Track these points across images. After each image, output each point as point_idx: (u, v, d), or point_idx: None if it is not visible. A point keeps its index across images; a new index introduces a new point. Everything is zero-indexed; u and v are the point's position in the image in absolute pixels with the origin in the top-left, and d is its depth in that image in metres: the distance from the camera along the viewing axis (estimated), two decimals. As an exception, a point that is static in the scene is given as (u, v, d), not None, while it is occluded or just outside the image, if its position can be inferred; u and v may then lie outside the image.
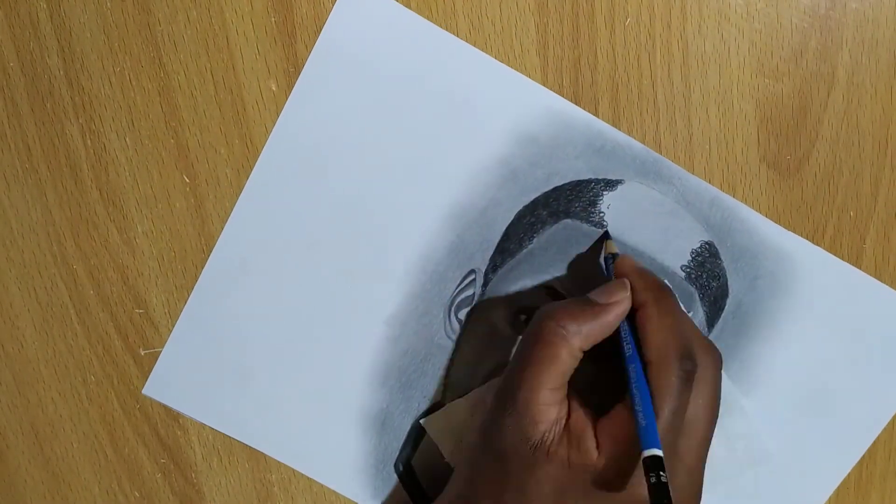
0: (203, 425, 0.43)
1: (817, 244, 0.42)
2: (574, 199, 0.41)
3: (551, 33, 0.39)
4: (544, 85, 0.40)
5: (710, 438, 0.36)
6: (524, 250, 0.41)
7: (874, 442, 0.45)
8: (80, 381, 0.43)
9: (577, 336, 0.35)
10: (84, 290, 0.42)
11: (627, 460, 0.34)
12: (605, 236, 0.41)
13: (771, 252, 0.42)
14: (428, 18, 0.39)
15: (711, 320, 0.42)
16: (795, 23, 0.39)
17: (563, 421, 0.35)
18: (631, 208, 0.41)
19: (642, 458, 0.32)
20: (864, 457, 0.45)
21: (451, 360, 0.42)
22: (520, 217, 0.41)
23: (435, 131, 0.40)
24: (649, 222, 0.41)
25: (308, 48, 0.39)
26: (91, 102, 0.40)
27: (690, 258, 0.41)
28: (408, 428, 0.43)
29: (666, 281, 0.40)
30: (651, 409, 0.34)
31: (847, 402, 0.43)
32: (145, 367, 0.43)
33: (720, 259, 0.41)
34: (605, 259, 0.40)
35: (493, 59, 0.39)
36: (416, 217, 0.41)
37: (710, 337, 0.42)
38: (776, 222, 0.42)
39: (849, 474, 0.45)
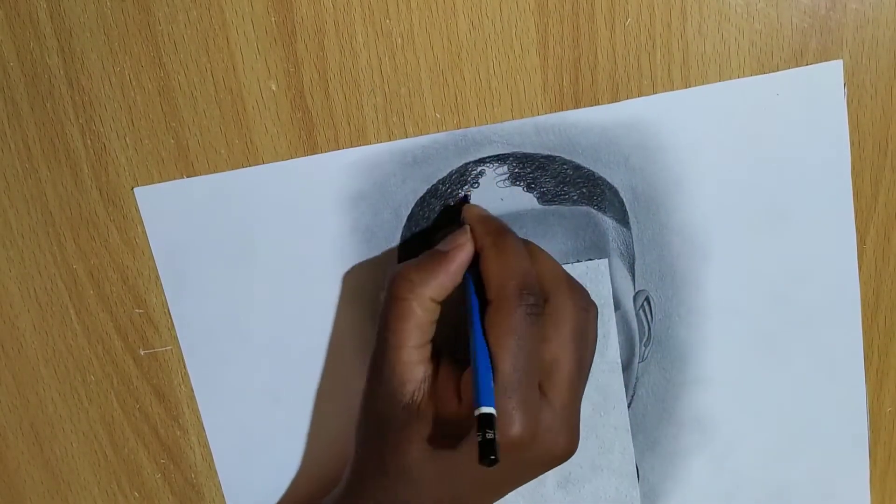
0: (203, 426, 0.43)
1: (817, 244, 0.42)
2: (429, 214, 0.41)
3: (551, 33, 0.39)
4: (544, 85, 0.40)
5: (579, 380, 0.36)
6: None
7: (874, 442, 0.45)
8: (79, 382, 0.43)
9: (425, 287, 0.36)
10: (84, 290, 0.42)
11: None
12: (464, 200, 0.41)
13: (620, 129, 0.40)
14: (428, 19, 0.39)
15: (623, 219, 0.41)
16: (796, 23, 0.39)
17: (430, 379, 0.36)
18: (481, 190, 0.41)
19: (475, 415, 0.32)
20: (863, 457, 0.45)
21: None
22: (401, 260, 0.41)
23: (284, 252, 0.41)
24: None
25: (308, 48, 0.39)
26: (91, 102, 0.40)
27: (560, 185, 0.41)
28: None
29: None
30: (486, 363, 0.34)
31: (802, 195, 0.41)
32: (145, 368, 0.43)
33: (583, 167, 0.41)
34: (462, 220, 0.40)
35: (280, 163, 0.40)
36: (324, 318, 0.42)
37: (633, 232, 0.41)
38: (776, 222, 0.42)
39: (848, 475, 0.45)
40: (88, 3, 0.38)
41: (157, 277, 0.42)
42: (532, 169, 0.40)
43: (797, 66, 0.40)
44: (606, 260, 0.41)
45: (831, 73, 0.40)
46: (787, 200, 0.41)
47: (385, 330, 0.36)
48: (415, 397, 0.35)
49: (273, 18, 0.39)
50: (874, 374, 0.44)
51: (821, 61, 0.40)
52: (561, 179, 0.41)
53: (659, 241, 0.42)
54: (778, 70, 0.40)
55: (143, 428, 0.44)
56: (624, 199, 0.41)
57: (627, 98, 0.40)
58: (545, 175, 0.41)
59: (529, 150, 0.40)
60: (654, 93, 0.40)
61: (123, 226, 0.41)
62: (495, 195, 0.41)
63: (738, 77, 0.40)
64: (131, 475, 0.44)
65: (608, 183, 0.41)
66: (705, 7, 0.39)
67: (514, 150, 0.40)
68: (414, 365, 0.36)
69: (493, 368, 0.34)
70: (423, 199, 0.41)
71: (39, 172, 0.40)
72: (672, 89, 0.40)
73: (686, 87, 0.40)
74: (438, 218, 0.41)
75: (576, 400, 0.36)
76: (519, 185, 0.41)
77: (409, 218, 0.41)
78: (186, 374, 0.43)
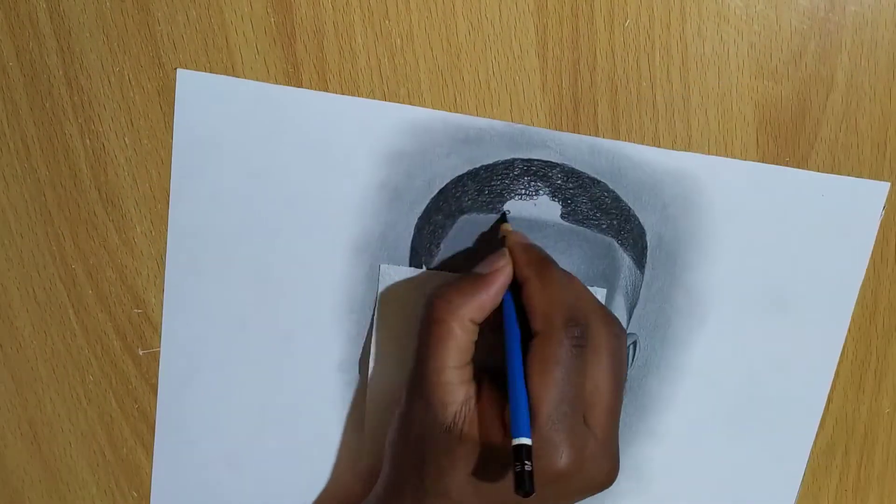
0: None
1: (816, 246, 0.42)
2: (461, 194, 0.41)
3: (550, 35, 0.39)
4: (543, 87, 0.40)
5: (618, 407, 0.36)
6: (435, 258, 0.41)
7: (873, 443, 0.45)
8: (78, 381, 0.43)
9: (465, 307, 0.36)
10: (83, 290, 0.42)
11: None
12: (502, 219, 0.41)
13: (668, 177, 0.41)
14: (427, 20, 0.39)
15: (640, 261, 0.42)
16: (794, 25, 0.39)
17: (473, 401, 0.35)
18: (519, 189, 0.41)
19: (511, 445, 0.32)
20: (862, 458, 0.45)
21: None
22: (419, 230, 0.41)
23: (310, 183, 0.40)
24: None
25: (307, 49, 0.39)
26: (90, 102, 0.40)
27: (595, 210, 0.41)
28: None
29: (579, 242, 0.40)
30: (524, 393, 0.34)
31: (806, 294, 0.42)
32: (143, 367, 0.43)
33: (622, 201, 0.41)
34: (501, 240, 0.40)
35: (334, 95, 0.39)
36: (325, 266, 0.41)
37: (645, 277, 0.42)
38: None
39: (847, 475, 0.45)
40: (88, 3, 0.38)
41: (157, 277, 0.42)
42: (574, 186, 0.41)
43: (796, 67, 0.40)
44: (605, 291, 0.42)
45: (877, 191, 0.41)
46: (793, 295, 0.42)
47: (424, 351, 0.36)
48: (457, 420, 0.35)
49: (273, 19, 0.39)
50: (872, 376, 0.44)
51: (820, 63, 0.40)
52: (597, 205, 0.41)
53: (666, 293, 0.42)
54: (777, 72, 0.40)
55: (141, 428, 0.44)
56: (648, 243, 0.41)
57: (626, 100, 0.40)
58: (584, 195, 0.41)
59: (578, 166, 0.41)
60: (653, 94, 0.40)
61: (122, 226, 0.41)
62: (529, 199, 0.41)
63: (738, 78, 0.40)
64: (130, 475, 0.44)
65: (639, 223, 0.41)
66: (704, 9, 0.39)
67: (565, 161, 0.40)
68: (455, 386, 0.35)
69: (540, 400, 0.34)
70: (461, 177, 0.40)
71: (38, 172, 0.40)
72: (671, 91, 0.40)
73: (685, 89, 0.40)
74: (476, 242, 0.41)
75: (615, 427, 0.36)
76: (556, 200, 0.41)
77: (441, 192, 0.41)
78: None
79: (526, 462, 0.31)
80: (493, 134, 0.40)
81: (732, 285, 0.42)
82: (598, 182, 0.41)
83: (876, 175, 0.41)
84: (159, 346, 0.42)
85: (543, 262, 0.37)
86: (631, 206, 0.41)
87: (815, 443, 0.45)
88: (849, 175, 0.41)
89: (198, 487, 0.43)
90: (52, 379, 0.43)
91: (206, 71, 0.39)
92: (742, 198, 0.41)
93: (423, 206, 0.41)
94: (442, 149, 0.40)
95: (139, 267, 0.42)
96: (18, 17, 0.39)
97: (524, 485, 0.31)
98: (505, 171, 0.41)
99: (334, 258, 0.41)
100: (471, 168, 0.41)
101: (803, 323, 0.43)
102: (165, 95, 0.40)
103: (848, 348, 0.44)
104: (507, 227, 0.40)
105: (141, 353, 0.43)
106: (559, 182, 0.41)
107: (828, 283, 0.42)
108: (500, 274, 0.37)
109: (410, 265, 0.41)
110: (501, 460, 0.34)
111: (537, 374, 0.34)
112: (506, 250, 0.38)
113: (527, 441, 0.32)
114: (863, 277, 0.42)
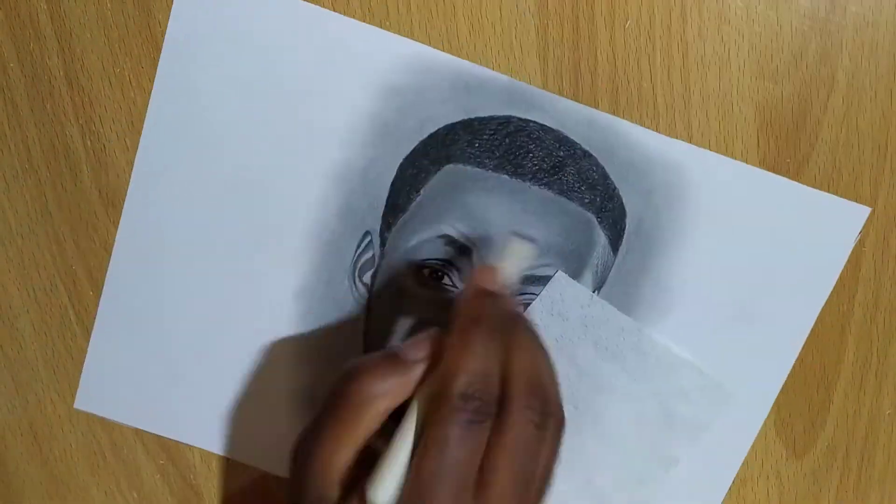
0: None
1: (816, 247, 0.42)
2: (451, 143, 0.40)
3: (551, 35, 0.39)
4: (545, 87, 0.40)
5: (525, 493, 0.32)
6: (413, 203, 0.41)
7: (873, 444, 0.45)
8: (78, 382, 0.43)
9: (384, 398, 0.33)
10: (83, 291, 0.42)
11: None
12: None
13: (659, 163, 0.41)
14: (428, 21, 0.39)
15: (615, 244, 0.41)
16: (795, 26, 0.39)
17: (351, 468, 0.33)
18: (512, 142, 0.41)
19: None
20: (862, 459, 0.45)
21: (366, 326, 0.42)
22: (402, 170, 0.40)
23: (300, 99, 0.39)
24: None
25: (308, 49, 0.39)
26: (91, 103, 0.40)
27: (580, 183, 0.41)
28: None
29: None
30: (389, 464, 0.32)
31: (771, 305, 0.42)
32: (144, 368, 0.43)
33: (609, 179, 0.41)
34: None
35: (342, 15, 0.38)
36: (300, 188, 0.40)
37: (616, 259, 0.41)
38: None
39: (848, 476, 0.45)
40: (88, 5, 0.38)
41: (157, 278, 0.42)
42: (565, 155, 0.40)
43: (796, 68, 0.40)
44: (560, 272, 0.41)
45: (857, 215, 0.41)
46: (756, 308, 0.42)
47: (325, 429, 0.33)
48: (341, 496, 0.33)
49: (273, 20, 0.39)
50: (873, 377, 0.44)
51: (820, 64, 0.40)
52: (584, 178, 0.40)
53: (635, 278, 0.42)
54: (777, 73, 0.40)
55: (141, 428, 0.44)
56: (627, 225, 0.41)
57: (627, 101, 0.40)
58: (573, 166, 0.40)
59: (573, 136, 0.40)
60: (654, 95, 0.40)
61: (123, 226, 0.41)
62: (516, 156, 0.40)
63: (738, 78, 0.40)
64: (130, 476, 0.44)
65: (622, 204, 0.41)
66: (705, 9, 0.39)
67: (561, 129, 0.40)
68: (347, 464, 0.33)
69: (413, 469, 0.31)
70: (453, 125, 0.40)
71: (39, 173, 0.40)
72: (672, 92, 0.40)
73: (685, 90, 0.40)
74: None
75: None
76: (544, 164, 0.40)
77: (431, 136, 0.40)
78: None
79: None
80: (493, 87, 0.40)
81: (700, 285, 0.42)
82: (590, 155, 0.40)
83: (877, 176, 0.41)
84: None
85: (474, 320, 0.33)
86: (617, 186, 0.41)
87: (815, 443, 0.45)
88: (849, 176, 0.41)
89: (129, 376, 0.42)
90: (52, 380, 0.43)
91: (206, 71, 0.39)
92: (728, 199, 0.41)
93: (411, 148, 0.40)
94: (439, 93, 0.40)
95: (140, 268, 0.42)
96: (19, 17, 0.39)
97: None
98: (499, 127, 0.40)
99: (312, 183, 0.40)
100: (465, 118, 0.40)
101: (760, 336, 0.43)
102: (166, 96, 0.40)
103: (849, 349, 0.44)
104: (480, 269, 0.37)
105: (141, 353, 0.43)
106: (550, 148, 0.40)
107: (792, 301, 0.42)
108: (422, 365, 0.34)
109: (388, 205, 0.41)
110: None
111: (420, 442, 0.32)
112: (434, 335, 0.34)
113: None
114: (826, 299, 0.42)
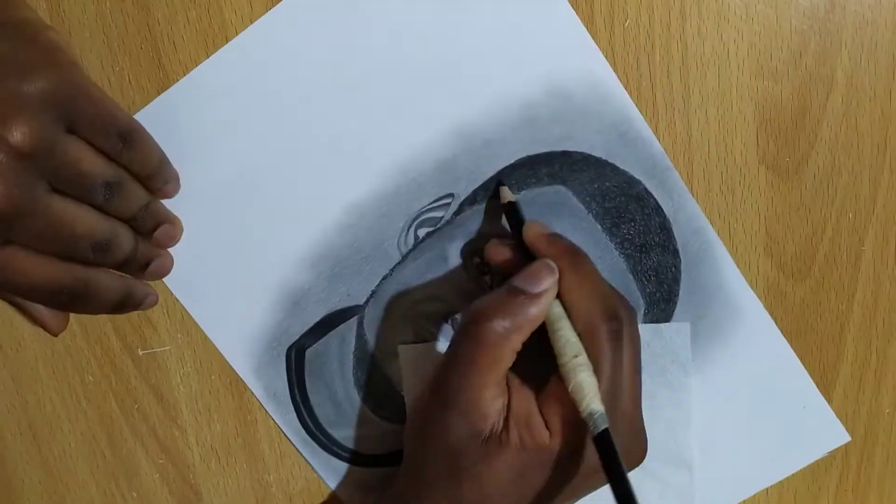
0: (201, 425, 0.43)
1: (816, 246, 0.42)
2: (578, 171, 0.40)
3: (551, 35, 0.39)
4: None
5: (640, 391, 0.37)
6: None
7: (873, 444, 0.45)
8: (78, 382, 0.43)
9: (516, 333, 0.35)
10: (83, 291, 0.42)
11: (577, 436, 0.34)
12: (499, 184, 0.40)
13: (724, 299, 0.42)
14: (427, 19, 0.39)
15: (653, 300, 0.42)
16: (795, 25, 0.39)
17: (506, 405, 0.35)
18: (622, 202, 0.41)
19: (591, 436, 0.33)
20: (861, 458, 0.45)
21: (391, 272, 0.42)
22: (519, 164, 0.40)
23: (472, 50, 0.39)
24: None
25: (307, 49, 0.39)
26: (90, 102, 0.40)
27: (653, 272, 0.42)
28: (318, 318, 0.42)
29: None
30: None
31: (728, 458, 0.44)
32: (143, 368, 0.43)
33: (678, 285, 0.42)
34: (505, 212, 0.40)
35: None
36: (419, 122, 0.40)
37: (682, 258, 0.42)
38: (775, 225, 0.42)
39: (848, 476, 0.45)
40: (88, 4, 0.38)
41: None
42: (658, 242, 0.42)
43: (796, 67, 0.40)
44: (688, 324, 0.42)
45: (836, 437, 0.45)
46: None
47: (466, 369, 0.35)
48: (495, 430, 0.35)
49: (272, 19, 0.39)
50: (873, 376, 0.44)
51: (820, 63, 0.40)
52: (658, 271, 0.42)
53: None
54: (777, 72, 0.40)
55: (141, 428, 0.44)
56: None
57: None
58: (658, 255, 0.42)
59: (676, 234, 0.41)
60: (653, 94, 0.40)
61: (122, 226, 0.41)
62: (621, 216, 0.42)
63: (737, 78, 0.40)
64: (129, 475, 0.44)
65: (674, 311, 0.42)
66: (704, 8, 0.39)
67: (671, 218, 0.41)
68: (495, 399, 0.35)
69: (607, 381, 0.34)
70: (593, 158, 0.40)
71: (38, 172, 0.40)
72: (671, 90, 0.40)
73: (685, 89, 0.40)
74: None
75: (640, 406, 0.37)
76: (636, 238, 0.42)
77: (564, 154, 0.40)
78: (185, 374, 0.43)
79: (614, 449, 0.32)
80: (645, 150, 0.40)
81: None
82: (677, 255, 0.42)
83: (876, 175, 0.41)
84: (159, 347, 0.42)
85: (575, 254, 0.36)
86: (680, 295, 0.42)
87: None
88: (848, 175, 0.41)
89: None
90: (51, 379, 0.43)
91: (206, 71, 0.39)
92: (753, 362, 0.43)
93: (541, 151, 0.40)
94: (599, 123, 0.40)
95: (139, 267, 0.42)
96: (18, 17, 0.39)
97: (615, 469, 0.32)
98: (625, 185, 0.41)
99: (429, 124, 0.40)
100: (606, 158, 0.40)
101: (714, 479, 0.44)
102: (165, 95, 0.40)
103: (848, 349, 0.44)
104: (507, 192, 0.40)
105: (141, 353, 0.43)
106: (652, 228, 0.41)
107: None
108: (550, 293, 0.35)
109: (485, 184, 0.41)
110: (543, 458, 0.35)
111: (603, 367, 0.35)
112: (552, 265, 0.36)
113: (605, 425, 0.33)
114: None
